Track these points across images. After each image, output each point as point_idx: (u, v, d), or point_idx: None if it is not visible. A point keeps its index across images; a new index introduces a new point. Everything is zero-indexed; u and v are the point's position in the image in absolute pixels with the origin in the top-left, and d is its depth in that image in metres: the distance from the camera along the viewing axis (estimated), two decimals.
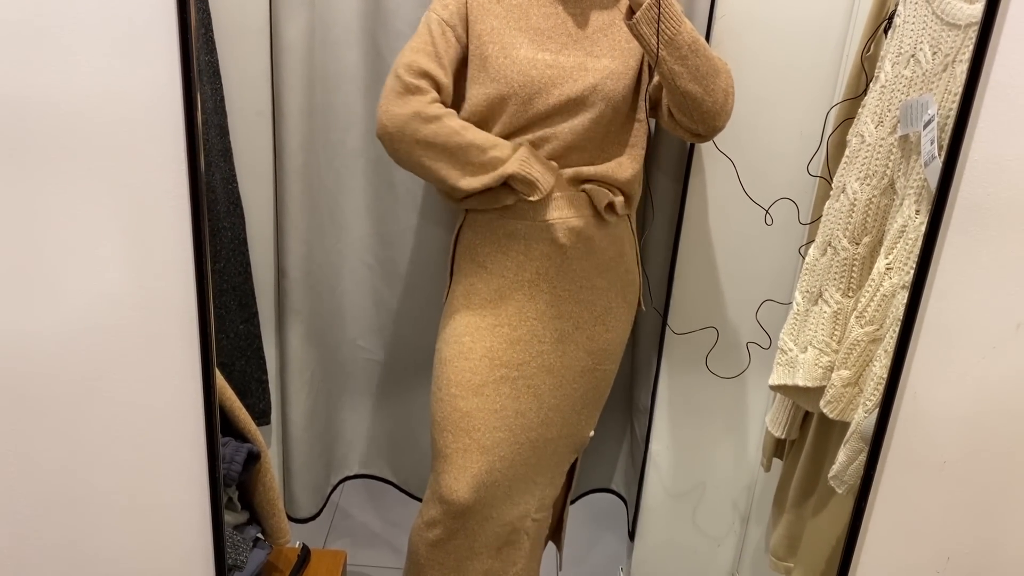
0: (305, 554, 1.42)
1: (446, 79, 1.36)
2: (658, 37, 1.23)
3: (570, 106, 1.36)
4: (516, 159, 1.35)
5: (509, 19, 1.38)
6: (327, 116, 1.58)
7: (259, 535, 1.32)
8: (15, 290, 0.91)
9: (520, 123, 1.38)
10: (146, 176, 0.86)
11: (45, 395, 0.95)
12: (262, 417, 1.64)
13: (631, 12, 1.24)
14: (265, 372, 1.61)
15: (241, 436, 1.27)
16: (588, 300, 1.45)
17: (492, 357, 1.42)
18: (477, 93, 1.38)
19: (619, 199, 1.43)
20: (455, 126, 1.34)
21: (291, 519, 1.75)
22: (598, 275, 1.45)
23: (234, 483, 1.24)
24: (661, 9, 1.22)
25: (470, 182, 1.35)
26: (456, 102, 1.41)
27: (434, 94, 1.34)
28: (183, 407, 0.96)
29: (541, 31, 1.38)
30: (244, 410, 1.28)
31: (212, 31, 1.40)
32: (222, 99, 1.45)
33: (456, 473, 1.39)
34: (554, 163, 1.39)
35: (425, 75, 1.34)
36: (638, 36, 1.25)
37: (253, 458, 1.26)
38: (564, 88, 1.35)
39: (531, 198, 1.37)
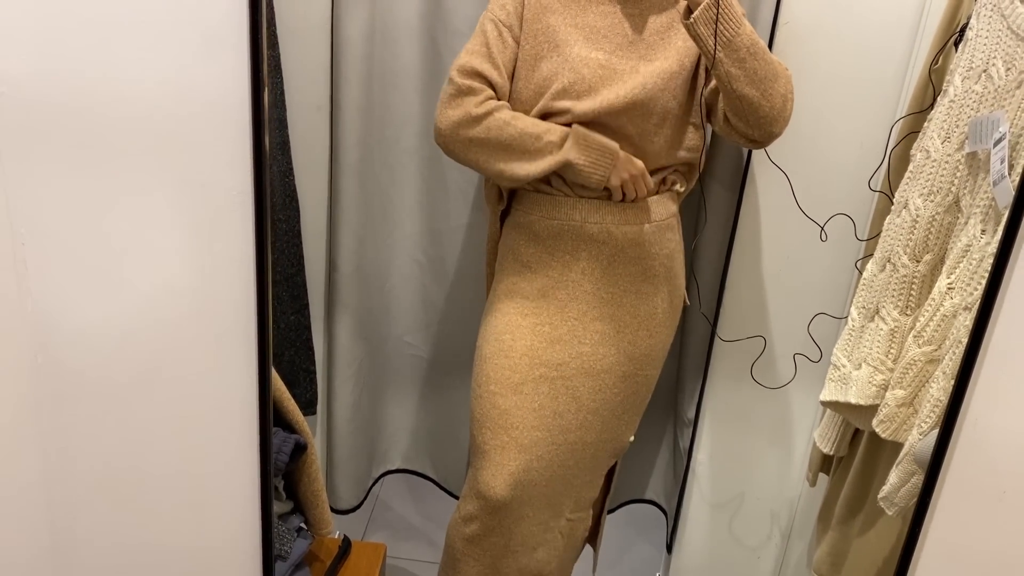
0: (346, 545, 1.44)
1: (500, 78, 1.36)
2: (715, 38, 1.21)
3: (620, 107, 1.34)
4: (570, 145, 1.33)
5: (566, 15, 1.37)
6: (384, 113, 1.59)
7: (302, 524, 1.34)
8: (79, 279, 0.94)
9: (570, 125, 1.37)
10: (212, 172, 0.88)
11: (105, 382, 0.98)
12: (308, 407, 1.67)
13: (689, 12, 1.22)
14: (313, 363, 1.64)
15: (288, 427, 1.29)
16: (632, 305, 1.44)
17: (532, 356, 1.41)
18: (528, 91, 1.37)
19: (678, 186, 1.44)
20: (505, 118, 1.33)
21: (332, 510, 1.77)
22: (644, 281, 1.44)
23: (281, 473, 1.26)
24: (719, 9, 1.20)
25: (528, 169, 1.34)
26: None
27: (487, 92, 1.34)
28: (238, 398, 0.97)
29: (597, 30, 1.37)
30: (292, 401, 1.29)
31: (275, 26, 1.42)
32: (282, 93, 1.48)
33: (494, 470, 1.39)
34: (614, 143, 1.35)
35: (476, 75, 1.34)
36: (695, 37, 1.23)
37: (300, 449, 1.28)
38: (614, 88, 1.33)
39: (591, 182, 1.35)
